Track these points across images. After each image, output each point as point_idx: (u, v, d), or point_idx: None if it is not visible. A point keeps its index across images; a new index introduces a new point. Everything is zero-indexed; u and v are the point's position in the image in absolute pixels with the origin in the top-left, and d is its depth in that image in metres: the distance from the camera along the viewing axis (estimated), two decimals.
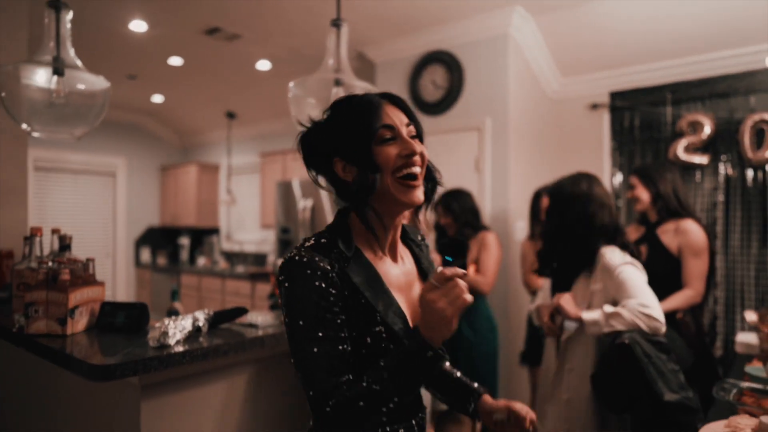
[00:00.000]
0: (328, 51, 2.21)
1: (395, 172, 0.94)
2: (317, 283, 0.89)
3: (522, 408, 1.08)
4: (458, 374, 1.19)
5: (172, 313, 2.43)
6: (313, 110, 2.24)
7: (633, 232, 2.54)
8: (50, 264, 1.69)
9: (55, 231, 1.84)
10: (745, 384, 1.39)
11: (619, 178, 3.62)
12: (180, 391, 1.53)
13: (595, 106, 3.69)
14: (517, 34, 3.42)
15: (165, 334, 1.47)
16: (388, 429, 0.96)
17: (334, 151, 0.97)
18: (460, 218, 2.90)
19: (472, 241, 2.90)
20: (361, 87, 2.21)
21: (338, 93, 2.20)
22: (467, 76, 3.56)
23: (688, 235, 2.32)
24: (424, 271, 1.08)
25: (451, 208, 2.90)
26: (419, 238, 1.15)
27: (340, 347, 0.89)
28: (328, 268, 0.90)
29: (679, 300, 2.24)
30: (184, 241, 7.18)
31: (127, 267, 7.06)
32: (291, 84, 2.21)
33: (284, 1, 3.29)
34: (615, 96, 3.63)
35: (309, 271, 0.89)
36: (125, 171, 7.01)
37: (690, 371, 1.95)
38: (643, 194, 2.47)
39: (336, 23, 2.18)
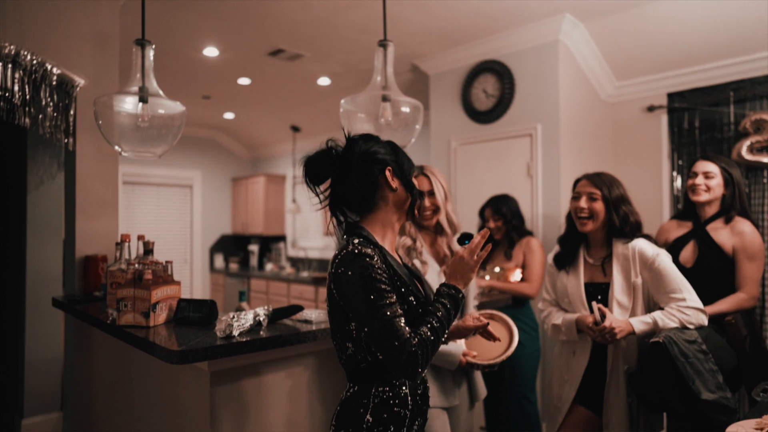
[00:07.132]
0: (376, 69, 2.37)
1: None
2: (375, 266, 1.19)
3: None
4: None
5: (239, 311, 2.68)
6: (364, 124, 2.40)
7: (675, 229, 2.46)
8: (136, 265, 1.95)
9: (140, 237, 2.10)
10: None
11: (678, 181, 3.53)
12: (245, 378, 1.71)
13: (651, 108, 3.63)
14: (568, 40, 3.45)
15: (230, 326, 1.68)
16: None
17: (388, 162, 1.34)
18: (511, 222, 2.96)
19: (517, 246, 2.96)
20: (406, 102, 2.36)
21: (385, 108, 2.35)
22: (518, 83, 3.62)
23: (744, 237, 2.25)
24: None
25: (502, 212, 2.97)
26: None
27: (401, 309, 1.20)
28: (376, 255, 1.21)
29: (729, 303, 2.18)
30: (254, 248, 7.60)
31: (203, 272, 7.59)
32: (342, 101, 2.39)
33: (340, 22, 3.52)
34: (673, 97, 3.56)
35: (367, 259, 1.19)
36: (201, 183, 7.55)
37: (736, 373, 1.92)
38: (720, 185, 2.32)
39: (382, 44, 2.34)
